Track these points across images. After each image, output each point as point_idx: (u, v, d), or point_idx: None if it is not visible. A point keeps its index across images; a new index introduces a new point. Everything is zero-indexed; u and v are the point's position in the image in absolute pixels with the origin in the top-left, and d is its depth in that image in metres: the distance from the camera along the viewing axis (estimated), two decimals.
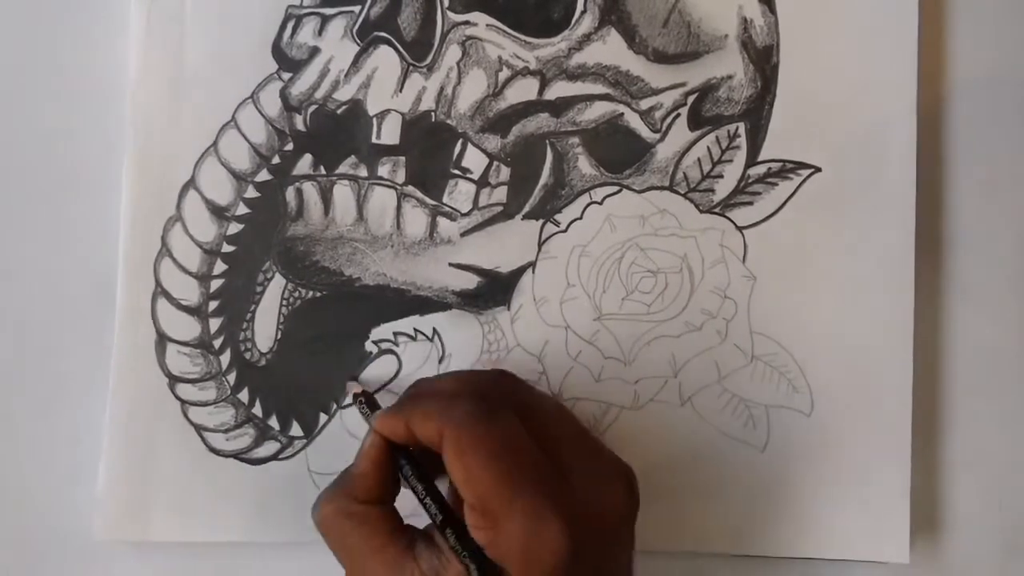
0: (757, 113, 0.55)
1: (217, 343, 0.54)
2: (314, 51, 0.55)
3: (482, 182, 0.55)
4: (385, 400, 0.52)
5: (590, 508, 0.44)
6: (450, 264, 0.55)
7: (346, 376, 0.54)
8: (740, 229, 0.55)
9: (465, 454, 0.44)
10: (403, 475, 0.48)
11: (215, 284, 0.54)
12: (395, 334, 0.55)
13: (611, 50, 0.55)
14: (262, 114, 0.54)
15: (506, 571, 0.44)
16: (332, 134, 0.54)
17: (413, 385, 0.50)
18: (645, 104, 0.55)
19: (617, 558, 0.46)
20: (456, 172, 0.55)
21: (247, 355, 0.54)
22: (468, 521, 0.44)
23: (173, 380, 0.54)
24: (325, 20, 0.55)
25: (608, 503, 0.46)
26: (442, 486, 0.48)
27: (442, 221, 0.55)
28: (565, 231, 0.55)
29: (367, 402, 0.52)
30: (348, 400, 0.53)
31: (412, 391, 0.49)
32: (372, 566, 0.45)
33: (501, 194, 0.55)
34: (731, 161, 0.55)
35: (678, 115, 0.55)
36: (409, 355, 0.55)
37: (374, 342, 0.55)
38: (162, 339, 0.54)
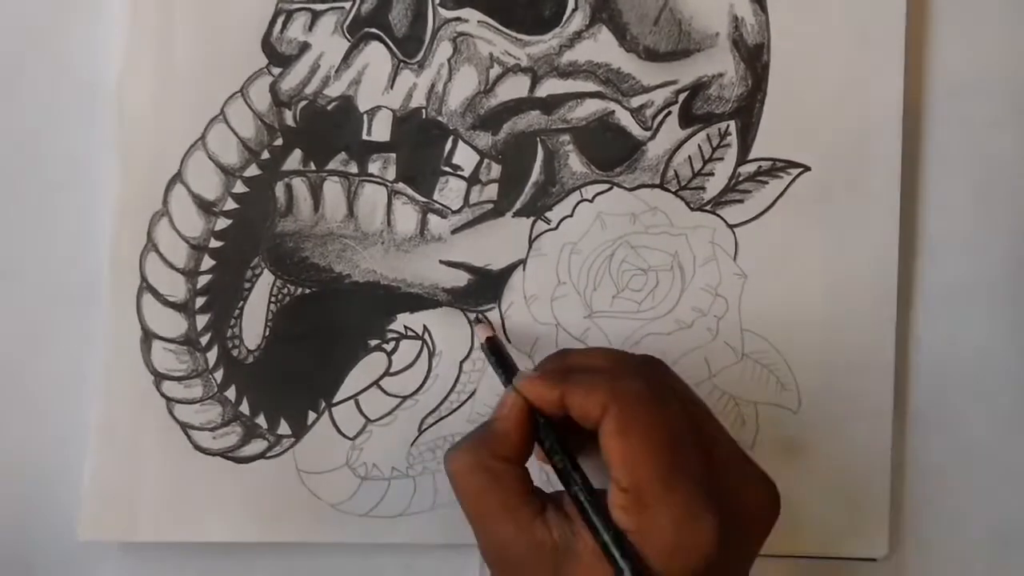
0: (748, 111, 0.55)
1: (204, 340, 0.54)
2: (304, 46, 0.54)
3: (473, 179, 0.54)
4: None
5: (740, 510, 0.44)
6: (440, 261, 0.54)
7: (475, 317, 0.53)
8: (731, 227, 0.55)
9: (630, 435, 0.43)
10: (542, 442, 0.46)
11: (202, 280, 0.54)
12: (385, 332, 0.54)
13: (602, 48, 0.55)
14: (251, 108, 0.54)
15: (644, 555, 0.42)
16: (322, 130, 0.54)
17: (559, 355, 0.49)
18: (636, 102, 0.55)
19: (749, 561, 0.45)
20: (447, 169, 0.54)
21: (234, 352, 0.54)
22: (614, 501, 0.43)
23: (159, 378, 0.53)
24: (316, 15, 0.54)
25: (756, 508, 0.45)
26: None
27: (433, 218, 0.54)
28: (556, 228, 0.55)
29: (498, 350, 0.50)
30: (480, 339, 0.52)
31: (561, 362, 0.48)
32: (503, 526, 0.44)
33: (492, 191, 0.55)
34: (722, 159, 0.55)
35: (669, 113, 0.55)
36: (399, 353, 0.54)
37: (363, 340, 0.54)
38: (147, 336, 0.53)
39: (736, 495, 0.44)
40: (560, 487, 0.45)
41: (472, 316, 0.54)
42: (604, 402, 0.43)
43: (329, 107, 0.54)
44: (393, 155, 0.54)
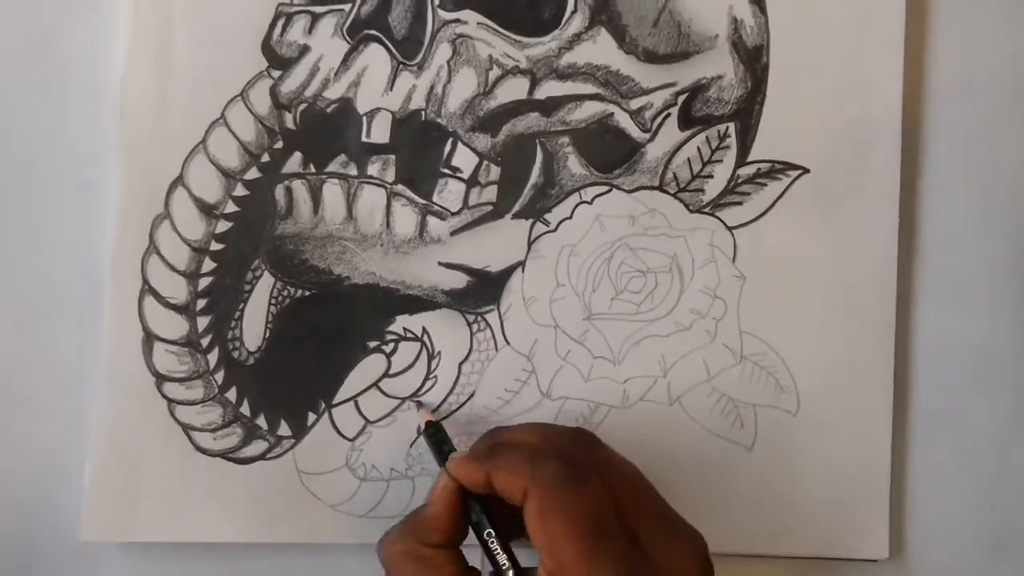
0: (747, 113, 0.55)
1: (205, 342, 0.54)
2: (304, 49, 0.54)
3: (472, 181, 0.55)
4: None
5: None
6: (440, 263, 0.55)
7: (412, 402, 0.54)
8: (730, 229, 0.55)
9: (551, 519, 0.43)
10: (473, 522, 0.47)
11: (203, 282, 0.54)
12: (384, 333, 0.54)
13: (601, 50, 0.55)
14: (252, 112, 0.54)
15: None
16: (322, 132, 0.54)
17: (490, 434, 0.49)
18: (635, 104, 0.55)
19: None
20: (446, 171, 0.55)
21: (235, 354, 0.54)
22: None
23: (160, 379, 0.54)
24: (315, 18, 0.54)
25: (684, 571, 0.45)
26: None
27: (432, 220, 0.54)
28: (555, 230, 0.55)
29: (437, 434, 0.51)
30: (420, 425, 0.53)
31: (491, 440, 0.49)
32: None
33: (491, 193, 0.55)
34: (721, 161, 0.55)
35: (668, 115, 0.55)
36: (398, 355, 0.54)
37: (363, 341, 0.54)
38: (149, 337, 0.54)
39: (664, 560, 0.44)
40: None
41: (412, 402, 0.54)
42: (524, 485, 0.44)
43: (329, 109, 0.54)
44: (392, 157, 0.54)
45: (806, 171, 0.55)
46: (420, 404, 0.54)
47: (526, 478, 0.44)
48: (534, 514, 0.44)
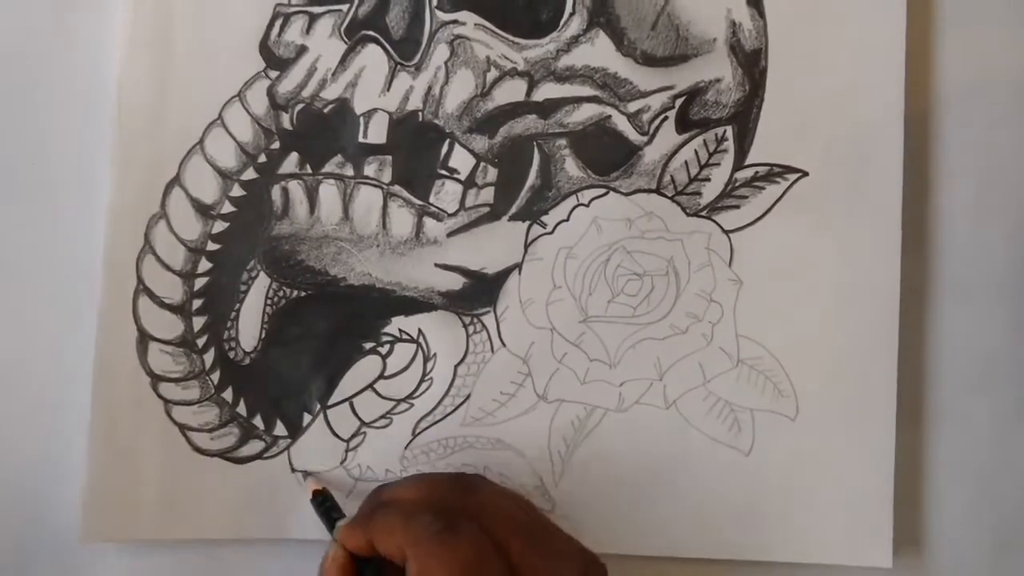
0: (745, 117, 0.55)
1: (200, 342, 0.54)
2: (302, 49, 0.54)
3: (469, 183, 0.54)
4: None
5: None
6: (436, 265, 0.54)
7: (302, 473, 0.54)
8: (727, 232, 0.55)
9: (430, 573, 0.44)
10: None
11: (199, 282, 0.54)
12: (380, 335, 0.54)
13: (599, 52, 0.55)
14: (249, 112, 0.54)
15: None
16: (319, 133, 0.54)
17: (375, 492, 0.50)
18: (633, 107, 0.55)
19: None
20: (443, 172, 0.54)
21: (231, 354, 0.54)
22: None
23: (156, 379, 0.54)
24: (313, 18, 0.54)
25: None
26: None
27: (428, 221, 0.54)
28: (552, 233, 0.55)
29: (326, 502, 0.51)
30: (308, 495, 0.52)
31: (374, 500, 0.49)
32: None
33: (488, 195, 0.55)
34: (718, 164, 0.55)
35: (666, 118, 0.55)
36: (393, 356, 0.54)
37: (358, 343, 0.54)
38: (144, 337, 0.54)
39: None
40: None
41: (300, 472, 0.54)
42: (400, 543, 0.44)
43: (326, 110, 0.54)
44: (389, 158, 0.54)
45: (804, 174, 0.55)
46: (307, 474, 0.54)
47: (400, 537, 0.44)
48: (414, 573, 0.44)
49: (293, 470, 0.54)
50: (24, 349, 0.55)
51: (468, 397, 0.54)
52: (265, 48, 0.54)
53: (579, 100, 0.54)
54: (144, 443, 0.53)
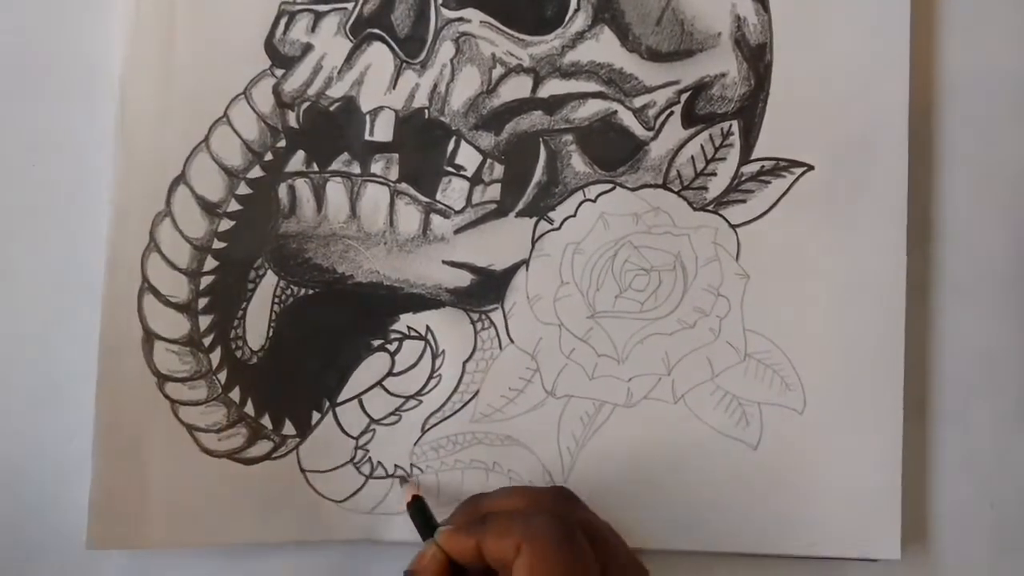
0: (750, 111, 0.55)
1: (207, 341, 0.54)
2: (307, 47, 0.54)
3: (476, 179, 0.54)
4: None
5: None
6: (443, 262, 0.54)
7: (399, 479, 0.54)
8: (733, 227, 0.55)
9: (542, 572, 0.45)
10: None
11: (205, 281, 0.54)
12: (388, 332, 0.54)
13: (604, 48, 0.55)
14: (255, 110, 0.54)
15: None
16: (325, 131, 0.54)
17: (472, 502, 0.50)
18: (639, 102, 0.55)
19: None
20: (450, 169, 0.54)
21: (238, 353, 0.54)
22: None
23: (162, 379, 0.53)
24: (318, 16, 0.54)
25: None
26: None
27: (435, 218, 0.54)
28: (559, 229, 0.55)
29: (423, 507, 0.51)
30: (403, 502, 0.52)
31: (472, 508, 0.50)
32: None
33: (495, 191, 0.55)
34: (724, 159, 0.55)
35: (671, 113, 0.55)
36: (402, 353, 0.54)
37: (367, 340, 0.54)
38: (149, 336, 0.53)
39: None
40: None
41: (399, 473, 0.54)
42: (517, 542, 0.45)
43: (332, 108, 0.54)
44: (396, 155, 0.54)
45: (810, 168, 0.55)
46: (404, 480, 0.54)
47: (519, 536, 0.45)
48: (524, 567, 0.45)
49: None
50: (27, 349, 0.54)
51: (477, 393, 0.54)
52: (270, 46, 0.54)
53: (585, 96, 0.55)
54: (151, 444, 0.53)
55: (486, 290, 0.55)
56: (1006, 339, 0.57)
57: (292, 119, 0.54)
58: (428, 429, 0.54)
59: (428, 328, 0.54)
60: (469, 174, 0.54)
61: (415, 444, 0.54)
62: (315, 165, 0.54)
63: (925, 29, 0.56)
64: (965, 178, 0.57)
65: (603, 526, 0.49)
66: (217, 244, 0.54)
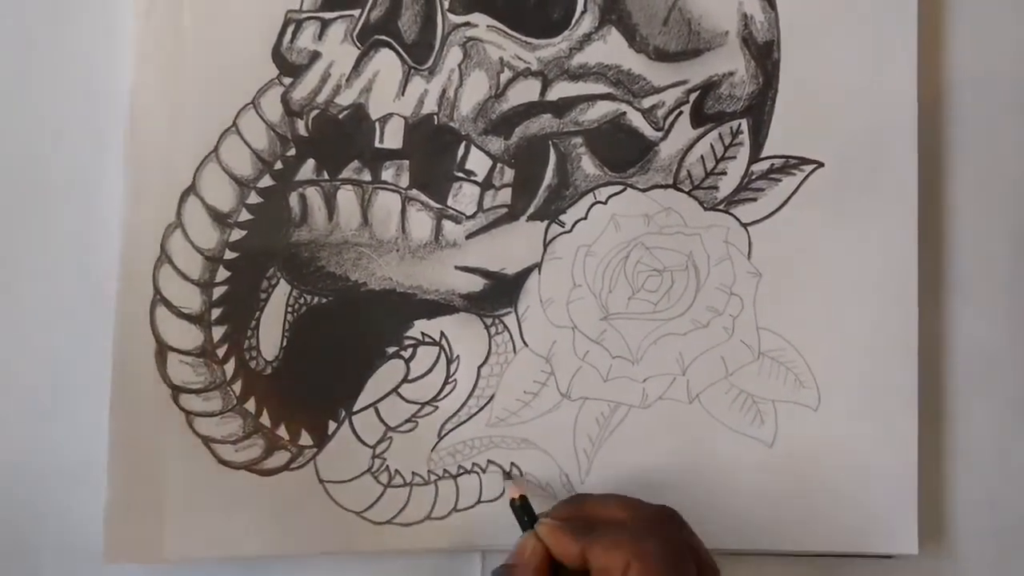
0: (759, 109, 0.55)
1: (221, 352, 0.54)
2: (315, 55, 0.54)
3: (486, 184, 0.54)
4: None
5: None
6: (456, 267, 0.54)
7: (504, 475, 0.54)
8: (744, 226, 0.55)
9: None
10: None
11: (217, 291, 0.54)
12: (402, 339, 0.54)
13: (612, 49, 0.55)
14: (263, 119, 0.54)
15: None
16: (335, 139, 0.54)
17: (576, 503, 0.51)
18: (647, 102, 0.55)
19: None
20: (460, 175, 0.54)
21: (252, 364, 0.54)
22: None
23: (176, 391, 0.53)
24: (325, 24, 0.54)
25: None
26: None
27: (447, 224, 0.54)
28: (570, 231, 0.55)
29: (526, 505, 0.51)
30: (507, 498, 0.52)
31: (575, 509, 0.50)
32: None
33: (505, 196, 0.55)
34: (734, 158, 0.55)
35: (680, 113, 0.55)
36: (416, 360, 0.54)
37: (381, 347, 0.54)
38: (162, 348, 0.53)
39: None
40: None
41: (504, 469, 0.54)
42: (627, 560, 0.46)
43: (341, 116, 0.54)
44: (406, 162, 0.54)
45: (820, 165, 0.55)
46: (508, 475, 0.54)
47: (628, 553, 0.46)
48: None
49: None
50: (40, 363, 0.54)
51: (492, 398, 0.54)
52: (278, 54, 0.54)
53: (593, 98, 0.55)
54: (166, 457, 0.53)
55: (499, 294, 0.55)
56: (1018, 334, 0.57)
57: (301, 127, 0.54)
58: (445, 435, 0.54)
59: (442, 334, 0.54)
60: (480, 179, 0.54)
61: (432, 450, 0.54)
62: (325, 173, 0.54)
63: (932, 24, 0.57)
64: (974, 174, 0.57)
65: (707, 553, 0.49)
66: (229, 254, 0.54)
